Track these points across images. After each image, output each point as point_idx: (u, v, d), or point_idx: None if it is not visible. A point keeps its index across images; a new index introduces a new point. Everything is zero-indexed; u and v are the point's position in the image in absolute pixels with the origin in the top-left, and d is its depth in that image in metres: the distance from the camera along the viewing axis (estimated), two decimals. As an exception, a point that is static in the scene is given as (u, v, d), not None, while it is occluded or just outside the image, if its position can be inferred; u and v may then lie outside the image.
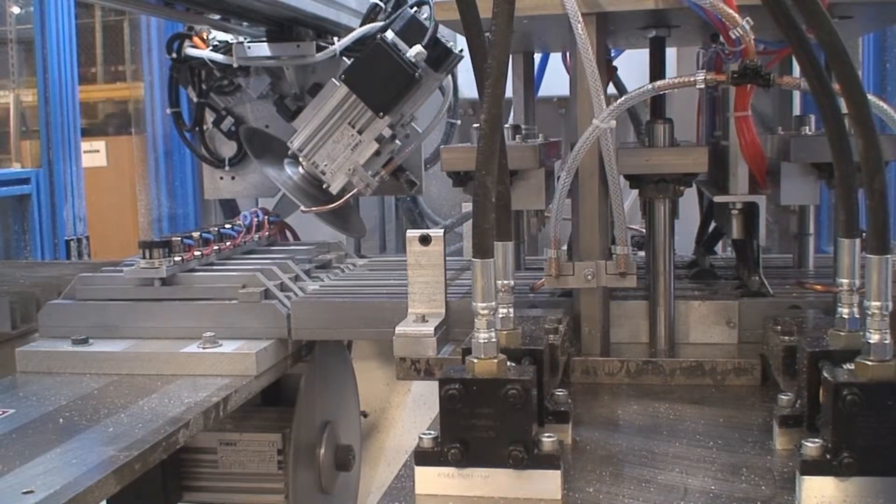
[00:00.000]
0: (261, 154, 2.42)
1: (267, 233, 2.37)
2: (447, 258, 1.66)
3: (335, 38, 2.36)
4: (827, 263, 1.88)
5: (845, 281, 1.17)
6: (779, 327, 1.39)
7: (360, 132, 2.20)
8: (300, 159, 2.29)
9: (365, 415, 3.00)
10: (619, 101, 1.46)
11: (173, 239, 1.94)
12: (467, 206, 1.89)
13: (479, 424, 1.10)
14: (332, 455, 2.23)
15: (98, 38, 6.06)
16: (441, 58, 2.17)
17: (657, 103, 1.76)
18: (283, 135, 2.42)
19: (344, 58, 2.33)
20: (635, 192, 1.64)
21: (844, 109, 1.10)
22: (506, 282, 1.26)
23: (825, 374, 1.08)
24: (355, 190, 2.28)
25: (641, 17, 1.61)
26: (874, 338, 1.06)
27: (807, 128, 1.60)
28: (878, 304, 1.07)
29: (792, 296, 1.69)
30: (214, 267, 2.04)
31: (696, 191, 1.97)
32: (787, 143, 1.53)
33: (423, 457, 1.13)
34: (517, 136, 1.70)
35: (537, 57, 2.18)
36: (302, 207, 2.31)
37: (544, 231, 1.74)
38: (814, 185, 1.55)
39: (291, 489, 2.03)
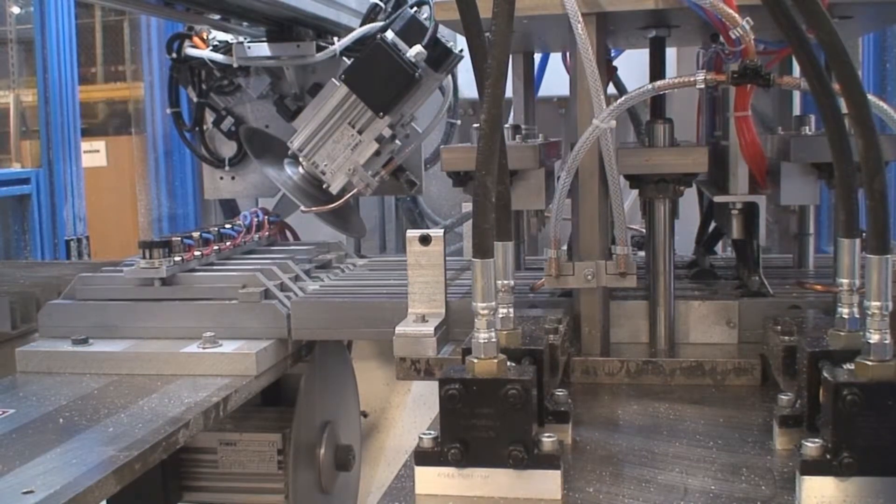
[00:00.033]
0: (261, 154, 2.42)
1: (267, 233, 2.37)
2: (447, 258, 1.66)
3: (335, 38, 2.36)
4: (827, 263, 1.88)
5: (845, 281, 1.17)
6: (779, 327, 1.39)
7: (360, 132, 2.21)
8: (300, 159, 2.29)
9: (365, 415, 3.00)
10: (619, 101, 1.46)
11: (173, 239, 1.94)
12: (467, 206, 1.89)
13: (479, 424, 1.10)
14: (332, 455, 2.23)
15: (98, 38, 6.06)
16: (441, 58, 2.17)
17: (657, 103, 1.76)
18: (283, 135, 2.42)
19: (344, 58, 2.33)
20: (635, 192, 1.64)
21: (844, 109, 1.10)
22: (506, 282, 1.26)
23: (825, 374, 1.08)
24: (355, 190, 2.28)
25: (641, 17, 1.61)
26: (874, 338, 1.06)
27: (807, 128, 1.60)
28: (878, 304, 1.07)
29: (792, 296, 1.69)
30: (214, 267, 2.04)
31: (696, 191, 1.98)
32: (787, 143, 1.53)
33: (423, 457, 1.13)
34: (517, 136, 1.70)
35: (537, 57, 2.18)
36: (302, 207, 2.31)
37: (544, 231, 1.74)
38: (814, 185, 1.55)
39: (291, 489, 2.03)
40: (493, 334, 1.12)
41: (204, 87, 2.54)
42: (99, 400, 1.61)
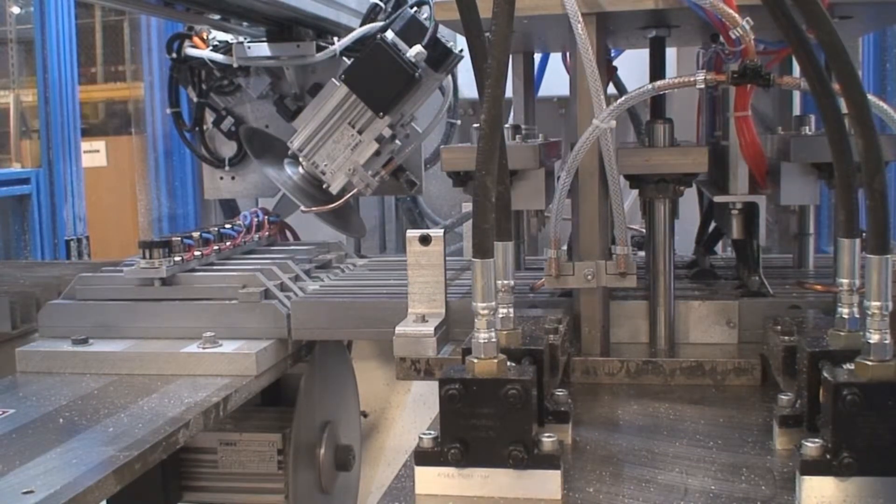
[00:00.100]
0: (261, 154, 2.42)
1: (267, 233, 2.37)
2: (447, 258, 1.66)
3: (335, 38, 2.36)
4: (827, 263, 1.88)
5: (845, 281, 1.17)
6: (779, 327, 1.39)
7: (360, 132, 2.21)
8: (300, 159, 2.29)
9: (365, 415, 3.00)
10: (619, 101, 1.46)
11: (173, 239, 1.94)
12: (467, 206, 1.89)
13: (479, 424, 1.10)
14: (332, 455, 2.23)
15: (98, 38, 6.06)
16: (441, 58, 2.17)
17: (657, 103, 1.76)
18: (283, 135, 2.42)
19: (344, 58, 2.33)
20: (635, 192, 1.64)
21: (844, 109, 1.10)
22: (506, 282, 1.26)
23: (825, 374, 1.08)
24: (355, 190, 2.28)
25: (641, 17, 1.61)
26: (874, 338, 1.06)
27: (807, 128, 1.60)
28: (878, 304, 1.07)
29: (792, 296, 1.69)
30: (214, 267, 2.04)
31: (696, 191, 1.98)
32: (787, 143, 1.53)
33: (423, 457, 1.13)
34: (517, 136, 1.70)
35: (537, 57, 2.18)
36: (302, 207, 2.31)
37: (544, 231, 1.74)
38: (814, 185, 1.55)
39: (291, 489, 2.03)
40: (493, 334, 1.12)
41: (204, 87, 2.54)
42: (99, 400, 1.61)
